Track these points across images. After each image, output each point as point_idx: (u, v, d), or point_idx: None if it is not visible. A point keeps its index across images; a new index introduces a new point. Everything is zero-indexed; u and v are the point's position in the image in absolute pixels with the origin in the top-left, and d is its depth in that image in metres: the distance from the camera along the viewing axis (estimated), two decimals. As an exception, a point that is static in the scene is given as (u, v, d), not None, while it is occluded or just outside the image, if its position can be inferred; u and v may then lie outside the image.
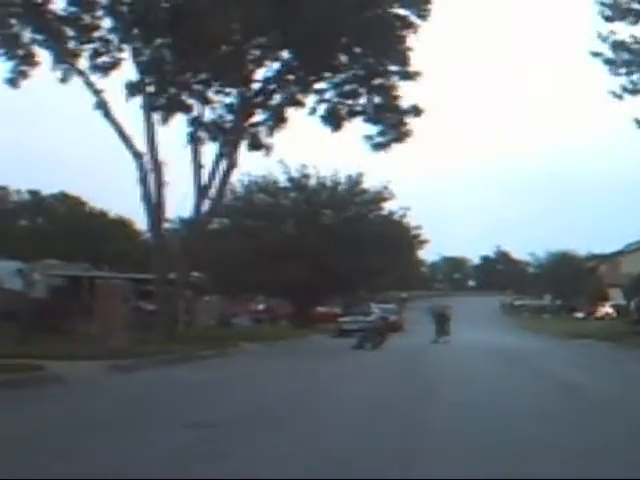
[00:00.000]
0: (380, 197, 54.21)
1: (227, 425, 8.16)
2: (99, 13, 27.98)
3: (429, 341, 34.60)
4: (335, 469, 5.82)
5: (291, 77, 30.47)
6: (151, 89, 28.76)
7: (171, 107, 29.31)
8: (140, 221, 77.01)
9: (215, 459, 6.23)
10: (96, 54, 28.06)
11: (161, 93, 29.16)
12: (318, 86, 30.51)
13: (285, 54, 30.02)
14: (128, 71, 28.56)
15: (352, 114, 30.70)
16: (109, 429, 7.95)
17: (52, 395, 11.34)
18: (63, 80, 28.40)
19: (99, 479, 5.44)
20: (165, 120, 29.10)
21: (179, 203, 34.08)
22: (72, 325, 33.90)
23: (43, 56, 28.18)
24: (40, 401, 10.64)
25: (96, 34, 28.03)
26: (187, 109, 29.77)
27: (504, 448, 6.79)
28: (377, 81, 30.33)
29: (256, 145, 31.05)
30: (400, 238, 55.13)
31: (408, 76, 29.79)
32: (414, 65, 29.77)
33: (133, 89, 28.40)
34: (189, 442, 7.02)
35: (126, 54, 28.28)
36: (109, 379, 13.93)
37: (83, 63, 28.09)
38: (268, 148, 31.41)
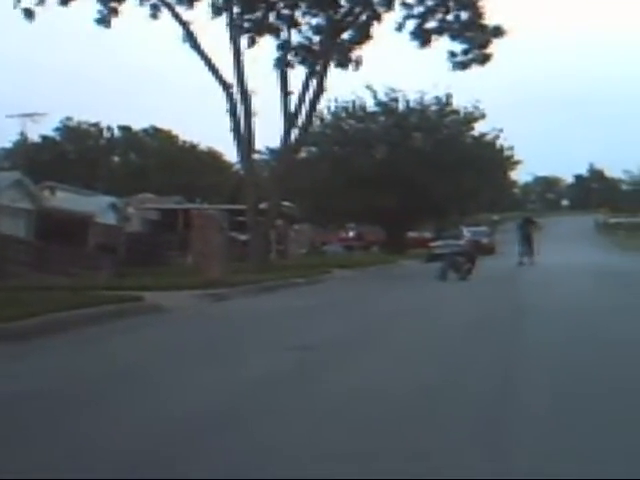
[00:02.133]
0: (471, 117, 53.27)
1: (326, 347, 8.30)
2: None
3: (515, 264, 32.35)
4: (442, 387, 5.84)
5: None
6: (237, 10, 28.66)
7: (258, 29, 29.18)
8: (230, 153, 77.94)
9: (320, 377, 6.44)
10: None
11: (248, 13, 29.02)
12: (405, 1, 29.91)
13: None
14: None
15: (439, 30, 30.09)
16: (212, 353, 8.19)
17: (153, 323, 11.64)
18: (153, 15, 28.57)
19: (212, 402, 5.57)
20: (252, 43, 28.97)
21: (268, 133, 34.17)
22: (167, 257, 34.70)
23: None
24: (141, 329, 10.95)
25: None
26: (275, 31, 29.55)
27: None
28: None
29: (344, 62, 30.64)
30: (492, 159, 54.20)
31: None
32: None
33: (219, 9, 28.31)
34: (291, 363, 7.13)
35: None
36: (207, 308, 14.17)
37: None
38: (357, 62, 30.96)
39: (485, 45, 29.96)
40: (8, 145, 75.44)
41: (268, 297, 17.09)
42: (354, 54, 30.51)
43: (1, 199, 28.84)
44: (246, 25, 29.03)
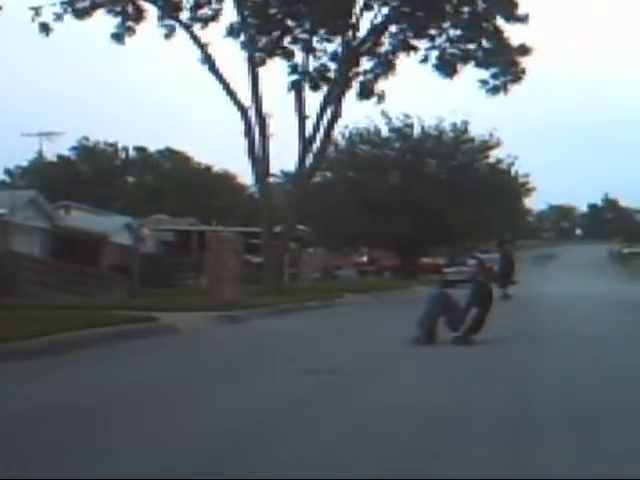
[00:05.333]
0: (486, 145, 53.29)
1: (342, 371, 8.29)
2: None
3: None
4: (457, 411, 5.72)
5: (397, 25, 30.05)
6: (253, 31, 28.89)
7: (270, 50, 29.32)
8: (244, 175, 78.10)
9: (335, 400, 6.43)
10: (197, 6, 28.32)
11: (264, 34, 29.20)
12: (429, 32, 29.99)
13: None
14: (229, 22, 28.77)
15: (463, 59, 30.09)
16: (229, 375, 8.19)
17: (168, 344, 11.63)
18: (167, 36, 28.80)
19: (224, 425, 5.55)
20: (262, 63, 29.03)
21: (283, 156, 34.31)
22: (181, 278, 34.73)
23: (149, 11, 28.59)
24: (157, 350, 10.93)
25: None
26: (289, 54, 29.67)
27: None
28: (486, 24, 29.59)
29: (366, 93, 30.72)
30: (507, 187, 54.15)
31: (516, 19, 28.98)
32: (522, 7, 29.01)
33: (235, 31, 28.50)
34: (307, 387, 7.11)
35: (227, 4, 28.46)
36: (220, 329, 14.16)
37: (186, 16, 28.46)
38: (380, 96, 31.07)
39: (514, 64, 29.83)
40: (24, 164, 75.92)
41: (281, 320, 17.06)
42: (377, 87, 30.68)
43: (16, 217, 28.95)
44: (260, 45, 29.19)
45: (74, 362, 9.23)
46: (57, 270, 26.55)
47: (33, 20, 27.68)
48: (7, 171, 78.77)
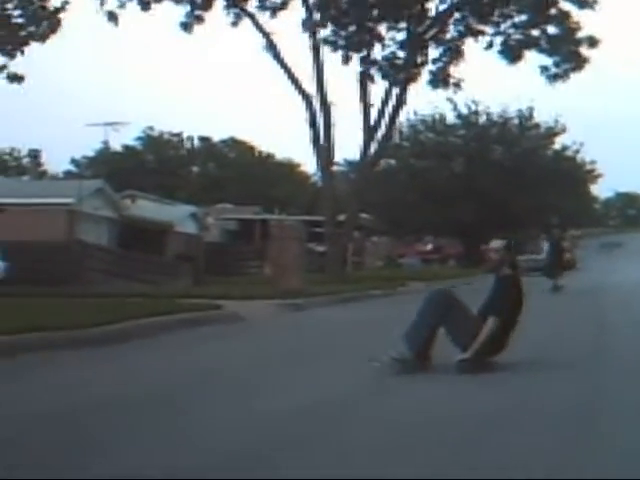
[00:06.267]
0: (552, 132, 52.64)
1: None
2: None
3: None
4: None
5: (461, 12, 29.79)
6: (323, 26, 28.84)
7: (347, 45, 29.31)
8: (307, 164, 78.24)
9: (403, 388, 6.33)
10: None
11: (339, 29, 29.17)
12: (493, 18, 29.69)
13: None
14: (296, 11, 28.77)
15: (527, 46, 29.73)
16: (295, 361, 8.23)
17: (233, 332, 11.71)
18: (234, 24, 28.88)
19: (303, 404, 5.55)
20: (346, 61, 29.07)
21: (345, 145, 34.25)
22: (245, 267, 34.95)
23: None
24: (223, 338, 11.01)
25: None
26: (360, 47, 29.57)
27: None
28: (552, 10, 29.15)
29: (439, 82, 30.55)
30: (572, 174, 53.42)
31: (584, 4, 28.49)
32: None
33: (307, 25, 28.49)
34: (372, 375, 7.07)
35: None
36: (284, 317, 14.21)
37: (252, 5, 28.54)
38: (456, 84, 30.92)
39: (577, 55, 29.41)
40: (91, 154, 77.00)
41: (345, 308, 17.05)
42: (451, 75, 30.48)
43: (84, 207, 29.36)
44: (340, 42, 29.18)
45: (142, 349, 9.37)
46: (123, 259, 26.92)
47: (102, 7, 27.87)
48: (74, 161, 79.97)
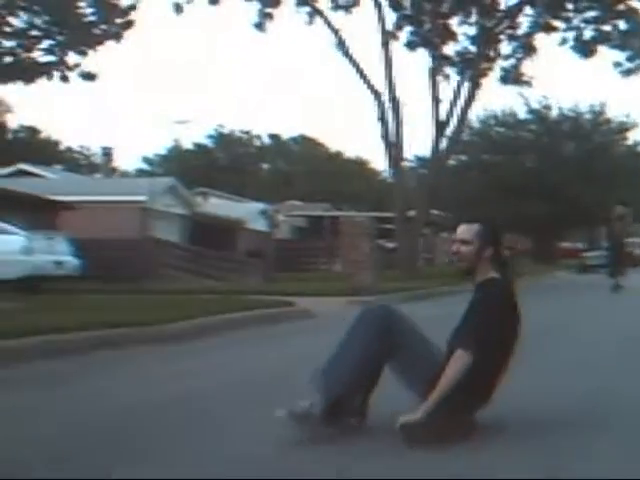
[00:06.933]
0: (624, 127, 51.80)
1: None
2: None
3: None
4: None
5: (532, 7, 29.45)
6: (399, 29, 28.84)
7: (416, 43, 29.21)
8: (376, 160, 78.18)
9: None
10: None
11: (417, 27, 29.11)
12: (564, 14, 29.34)
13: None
14: (366, 7, 28.74)
15: (600, 41, 29.32)
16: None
17: (307, 328, 11.70)
18: (310, 22, 28.94)
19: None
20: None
21: (413, 141, 34.11)
22: (315, 263, 35.01)
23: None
24: (297, 334, 11.00)
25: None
26: (432, 44, 29.41)
27: None
28: (622, 6, 28.67)
29: (511, 78, 30.33)
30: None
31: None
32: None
33: (385, 27, 28.46)
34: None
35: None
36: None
37: (322, 2, 28.58)
38: (528, 82, 30.73)
39: None
40: (162, 152, 78.01)
41: (417, 305, 16.89)
42: (522, 72, 30.23)
43: (156, 204, 29.71)
44: (414, 39, 29.12)
45: (219, 345, 9.42)
46: (195, 255, 27.16)
47: (178, 11, 28.29)
48: (146, 159, 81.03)
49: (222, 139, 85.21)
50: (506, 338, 4.56)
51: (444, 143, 29.30)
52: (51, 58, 25.92)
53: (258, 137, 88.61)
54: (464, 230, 4.72)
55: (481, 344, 4.36)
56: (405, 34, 29.24)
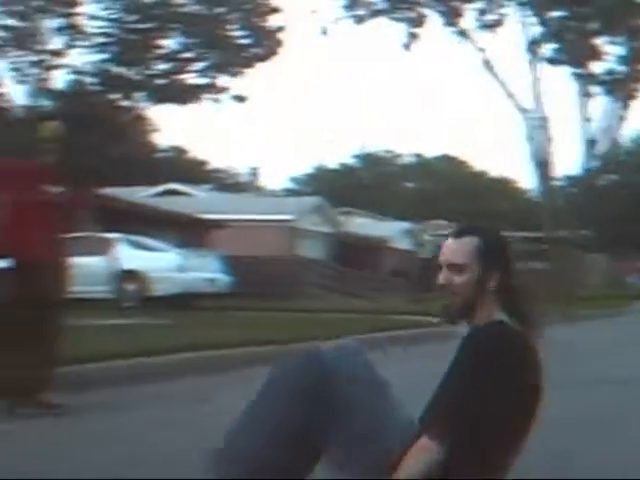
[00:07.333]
0: None
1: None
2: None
3: None
4: None
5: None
6: (543, 43, 28.46)
7: (559, 60, 28.72)
8: (520, 180, 76.96)
9: None
10: (481, 12, 28.16)
11: (560, 44, 28.69)
12: None
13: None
14: (511, 27, 28.47)
15: None
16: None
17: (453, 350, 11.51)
18: (459, 42, 28.90)
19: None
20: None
21: (561, 160, 33.46)
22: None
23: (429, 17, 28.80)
24: (442, 356, 10.84)
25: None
26: (576, 62, 28.86)
27: None
28: None
29: None
30: None
31: None
32: None
33: (532, 46, 28.13)
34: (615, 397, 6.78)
35: (510, 9, 28.10)
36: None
37: (466, 22, 28.44)
38: None
39: None
40: (309, 171, 79.10)
41: (571, 328, 16.49)
42: None
43: (304, 223, 30.07)
44: (556, 56, 28.68)
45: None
46: (340, 274, 27.35)
47: (324, 33, 28.75)
48: (294, 179, 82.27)
49: (367, 159, 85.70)
50: (512, 415, 2.70)
51: (592, 162, 28.64)
52: (203, 80, 26.68)
53: (402, 156, 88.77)
54: (455, 249, 2.93)
55: (459, 429, 2.61)
56: (548, 50, 28.74)
